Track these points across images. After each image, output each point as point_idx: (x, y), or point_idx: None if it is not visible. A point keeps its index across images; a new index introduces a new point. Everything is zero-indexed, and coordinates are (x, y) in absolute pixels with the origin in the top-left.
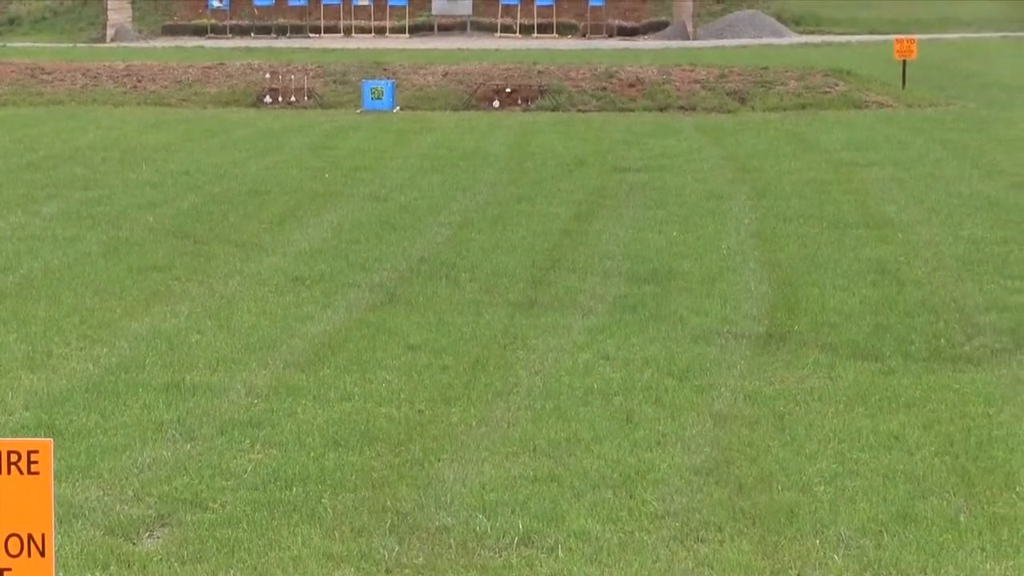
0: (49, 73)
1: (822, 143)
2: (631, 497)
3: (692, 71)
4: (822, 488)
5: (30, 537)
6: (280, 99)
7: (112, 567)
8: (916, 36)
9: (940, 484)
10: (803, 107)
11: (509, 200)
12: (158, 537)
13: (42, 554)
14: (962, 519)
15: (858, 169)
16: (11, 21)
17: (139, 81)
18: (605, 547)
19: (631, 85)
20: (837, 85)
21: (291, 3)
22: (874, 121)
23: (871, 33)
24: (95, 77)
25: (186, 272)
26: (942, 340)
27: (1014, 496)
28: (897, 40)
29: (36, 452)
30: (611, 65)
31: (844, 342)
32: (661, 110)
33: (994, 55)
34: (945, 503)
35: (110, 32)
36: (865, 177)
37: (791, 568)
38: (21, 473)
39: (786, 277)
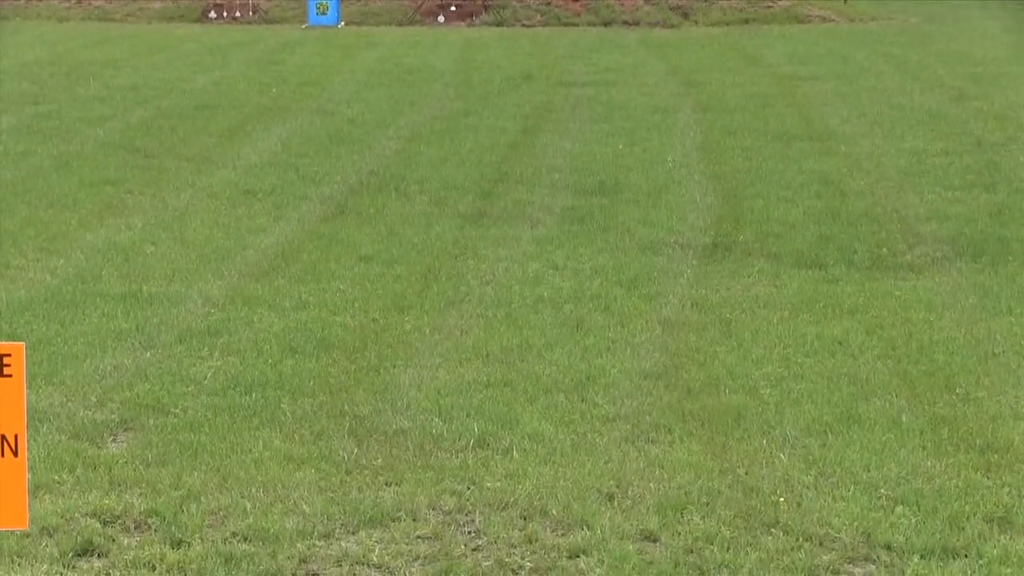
0: None
1: (765, 57)
2: (583, 401)
3: None
4: (768, 391)
5: (3, 438)
6: (225, 14)
7: (79, 470)
8: None
9: (883, 386)
10: (746, 22)
11: (456, 114)
12: (122, 441)
13: (15, 454)
14: (904, 419)
15: (801, 83)
16: None
17: None
18: (558, 448)
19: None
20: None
21: None
22: (817, 35)
23: None
24: None
25: (138, 185)
26: (884, 249)
27: (954, 397)
28: None
29: (8, 356)
30: None
31: (788, 251)
32: (605, 25)
33: None
34: (888, 404)
35: None
36: (808, 91)
37: (739, 467)
38: None
39: (731, 189)
